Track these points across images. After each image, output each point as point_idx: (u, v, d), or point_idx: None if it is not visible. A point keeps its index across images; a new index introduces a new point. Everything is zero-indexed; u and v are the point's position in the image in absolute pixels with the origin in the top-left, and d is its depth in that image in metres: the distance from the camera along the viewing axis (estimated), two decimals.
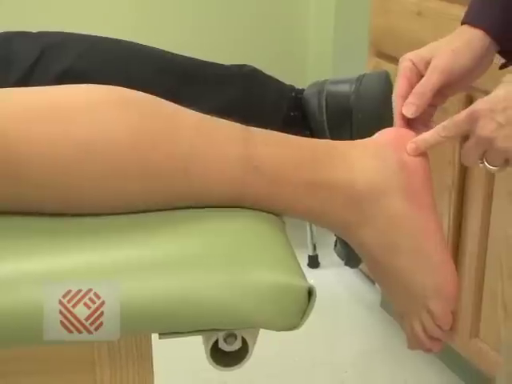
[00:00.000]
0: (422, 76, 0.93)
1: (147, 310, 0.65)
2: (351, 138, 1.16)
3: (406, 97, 0.93)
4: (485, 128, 0.81)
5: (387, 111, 0.96)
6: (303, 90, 1.30)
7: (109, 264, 0.67)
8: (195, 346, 0.78)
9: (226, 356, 0.70)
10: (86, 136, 0.71)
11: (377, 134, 0.88)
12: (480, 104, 0.83)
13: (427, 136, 0.86)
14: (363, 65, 2.10)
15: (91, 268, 0.67)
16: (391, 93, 0.95)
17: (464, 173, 1.72)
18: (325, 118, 1.24)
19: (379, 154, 0.83)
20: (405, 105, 0.91)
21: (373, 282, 2.33)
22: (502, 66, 0.98)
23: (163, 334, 0.67)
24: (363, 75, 1.25)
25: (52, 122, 0.71)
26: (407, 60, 0.94)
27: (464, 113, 0.84)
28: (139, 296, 0.65)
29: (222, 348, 0.69)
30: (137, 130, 0.73)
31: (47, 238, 0.70)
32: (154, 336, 0.69)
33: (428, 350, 0.90)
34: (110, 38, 1.22)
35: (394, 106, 0.94)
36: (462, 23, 0.95)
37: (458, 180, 1.73)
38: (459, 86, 0.95)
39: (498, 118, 0.81)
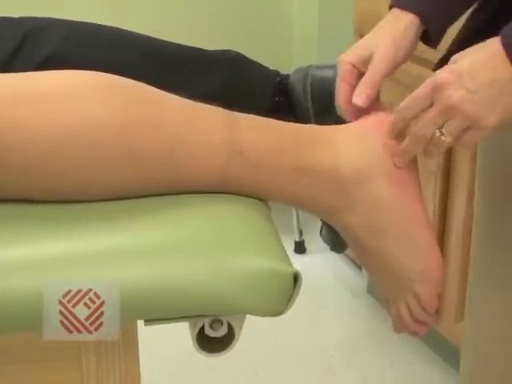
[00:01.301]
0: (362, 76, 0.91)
1: (133, 296, 0.65)
2: (336, 122, 1.16)
3: (349, 101, 0.90)
4: (453, 96, 0.79)
5: None
6: (288, 75, 1.30)
7: (96, 251, 0.67)
8: (181, 333, 0.78)
9: (212, 342, 0.70)
10: (72, 122, 0.70)
11: (361, 119, 0.88)
12: (444, 75, 0.80)
13: (394, 119, 0.84)
14: (348, 49, 2.09)
15: (80, 255, 0.66)
16: None
17: (449, 157, 1.72)
18: (310, 103, 1.24)
19: (364, 139, 0.83)
20: (355, 95, 0.88)
21: (359, 268, 2.34)
22: (436, 67, 0.93)
23: (148, 321, 0.67)
24: None
25: (37, 108, 0.70)
26: (347, 63, 0.92)
27: (426, 87, 0.81)
28: (128, 283, 0.65)
29: (208, 334, 0.69)
30: (122, 116, 0.72)
31: (34, 225, 0.70)
32: (140, 323, 0.69)
33: (414, 334, 0.90)
34: (94, 24, 1.21)
35: (338, 111, 0.92)
36: (394, 6, 0.92)
37: (444, 164, 1.73)
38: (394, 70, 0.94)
39: (466, 84, 0.78)
